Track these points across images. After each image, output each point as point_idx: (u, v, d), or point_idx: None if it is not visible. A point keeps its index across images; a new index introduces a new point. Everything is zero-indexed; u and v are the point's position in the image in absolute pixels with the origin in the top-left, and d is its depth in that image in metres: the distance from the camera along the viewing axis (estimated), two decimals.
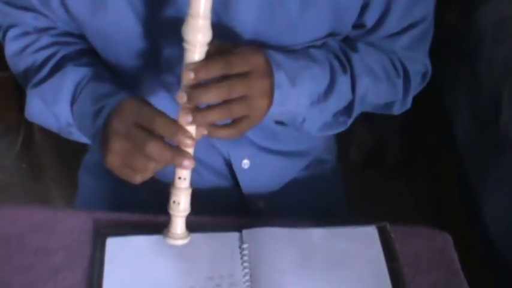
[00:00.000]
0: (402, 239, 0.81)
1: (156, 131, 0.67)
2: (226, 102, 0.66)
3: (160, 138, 0.67)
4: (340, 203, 1.04)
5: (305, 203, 0.97)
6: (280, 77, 0.72)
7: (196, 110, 0.66)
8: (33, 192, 1.72)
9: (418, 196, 1.69)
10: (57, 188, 1.72)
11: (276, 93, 0.71)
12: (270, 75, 0.71)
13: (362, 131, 0.85)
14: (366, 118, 0.91)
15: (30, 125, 1.72)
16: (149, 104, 0.70)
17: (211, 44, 0.66)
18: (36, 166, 1.76)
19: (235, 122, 0.69)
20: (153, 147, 0.66)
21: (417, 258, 0.80)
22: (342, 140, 1.10)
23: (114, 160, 0.69)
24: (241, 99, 0.67)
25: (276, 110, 0.73)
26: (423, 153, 1.76)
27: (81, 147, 1.07)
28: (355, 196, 1.10)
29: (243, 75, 0.67)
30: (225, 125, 0.70)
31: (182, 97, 0.65)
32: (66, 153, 1.56)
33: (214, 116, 0.67)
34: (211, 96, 0.65)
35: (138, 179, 0.70)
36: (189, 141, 0.66)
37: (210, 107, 0.67)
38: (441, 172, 1.68)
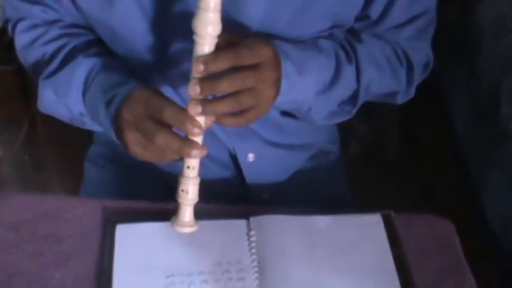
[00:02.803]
0: (405, 227, 0.82)
1: (165, 121, 0.68)
2: (234, 93, 0.67)
3: (169, 128, 0.68)
4: (344, 193, 1.05)
5: (309, 193, 0.98)
6: (287, 67, 0.73)
7: (205, 101, 0.67)
8: (35, 185, 1.73)
9: (417, 188, 1.70)
10: (59, 181, 1.73)
11: (284, 83, 0.72)
12: (279, 66, 0.71)
13: (361, 124, 0.86)
14: (366, 111, 0.92)
15: (33, 118, 1.73)
16: (158, 93, 0.71)
17: (220, 36, 0.67)
18: (39, 158, 1.77)
19: (243, 111, 0.70)
20: (162, 139, 0.67)
21: (421, 245, 0.81)
22: (342, 133, 1.11)
23: (136, 149, 0.71)
24: (250, 90, 0.68)
25: (283, 99, 0.73)
26: (422, 145, 1.77)
27: (84, 140, 1.07)
28: (355, 187, 1.11)
29: (253, 67, 0.68)
30: (233, 114, 0.71)
31: (194, 89, 0.65)
32: (69, 145, 1.57)
33: (224, 107, 0.67)
34: (223, 88, 0.66)
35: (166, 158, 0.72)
36: (197, 130, 0.67)
37: (219, 98, 0.68)
38: (440, 164, 1.69)
